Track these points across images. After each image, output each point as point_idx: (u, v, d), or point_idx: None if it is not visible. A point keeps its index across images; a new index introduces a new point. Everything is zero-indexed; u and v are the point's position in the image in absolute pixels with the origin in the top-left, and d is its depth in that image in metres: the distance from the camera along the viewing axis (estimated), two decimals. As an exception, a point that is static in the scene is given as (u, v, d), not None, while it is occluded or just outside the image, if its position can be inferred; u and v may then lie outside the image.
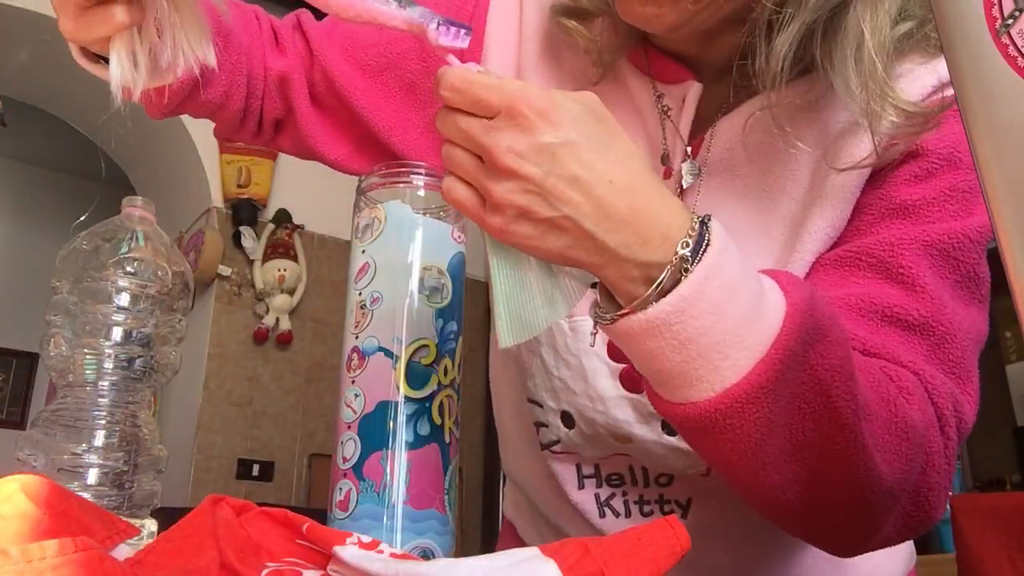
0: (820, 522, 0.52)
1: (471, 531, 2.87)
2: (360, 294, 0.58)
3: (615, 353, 0.64)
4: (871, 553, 0.55)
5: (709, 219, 0.44)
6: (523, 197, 0.42)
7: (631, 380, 0.63)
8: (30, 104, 3.19)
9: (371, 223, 0.59)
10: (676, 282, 0.42)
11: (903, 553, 0.70)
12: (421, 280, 0.58)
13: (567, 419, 0.65)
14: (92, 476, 0.63)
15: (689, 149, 0.63)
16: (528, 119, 0.42)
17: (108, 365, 0.66)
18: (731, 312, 0.42)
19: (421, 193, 0.61)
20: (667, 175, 0.64)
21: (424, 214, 0.60)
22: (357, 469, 0.54)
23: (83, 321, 0.66)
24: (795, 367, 0.44)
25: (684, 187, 0.63)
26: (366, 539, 0.44)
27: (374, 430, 0.55)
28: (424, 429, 0.55)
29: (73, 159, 4.61)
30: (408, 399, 0.55)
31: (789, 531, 0.54)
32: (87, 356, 0.65)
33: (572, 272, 0.48)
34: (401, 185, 0.61)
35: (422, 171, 0.61)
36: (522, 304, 0.47)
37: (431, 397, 0.56)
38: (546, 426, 0.68)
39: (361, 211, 0.61)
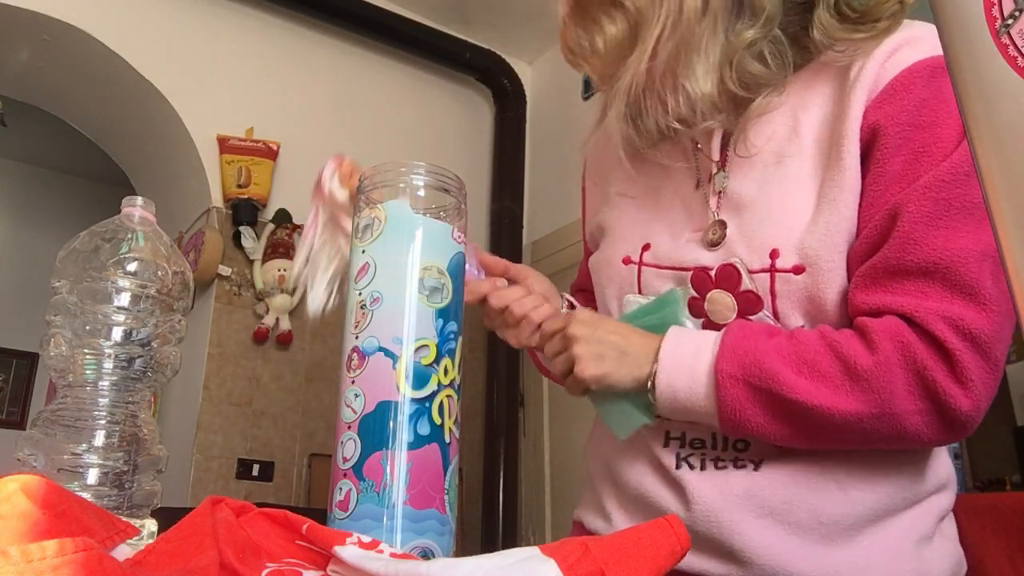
0: (861, 443, 0.69)
1: (471, 531, 2.86)
2: (360, 294, 0.58)
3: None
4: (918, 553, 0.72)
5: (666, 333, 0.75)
6: (582, 348, 0.76)
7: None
8: (30, 104, 3.19)
9: (371, 223, 0.59)
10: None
11: (953, 560, 0.77)
12: (421, 280, 0.58)
13: None
14: (92, 476, 0.62)
15: (718, 164, 0.81)
16: (572, 329, 0.77)
17: (108, 365, 0.66)
18: (688, 353, 0.73)
19: (421, 193, 0.61)
20: (702, 191, 0.82)
21: (424, 214, 0.60)
22: (357, 469, 0.54)
23: (83, 321, 0.66)
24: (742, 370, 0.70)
25: (719, 191, 0.80)
26: (366, 539, 0.44)
27: (374, 430, 0.55)
28: (424, 429, 0.55)
29: (73, 159, 4.61)
30: (408, 399, 0.55)
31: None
32: (87, 356, 0.65)
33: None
34: (401, 185, 0.61)
35: (422, 171, 0.61)
36: (621, 417, 0.79)
37: (431, 397, 0.56)
38: None
39: (361, 211, 0.61)
